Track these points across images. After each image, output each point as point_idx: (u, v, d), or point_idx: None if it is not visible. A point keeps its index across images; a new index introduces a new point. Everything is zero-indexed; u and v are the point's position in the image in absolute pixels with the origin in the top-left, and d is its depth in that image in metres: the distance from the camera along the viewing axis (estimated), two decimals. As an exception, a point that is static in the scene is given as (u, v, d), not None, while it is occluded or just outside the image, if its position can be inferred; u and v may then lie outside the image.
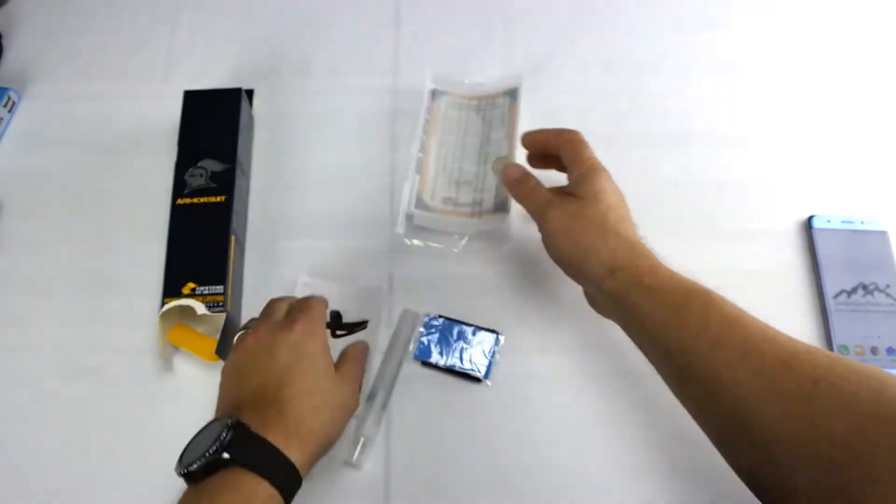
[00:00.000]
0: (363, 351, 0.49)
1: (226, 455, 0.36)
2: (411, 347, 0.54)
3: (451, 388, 0.53)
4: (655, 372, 0.45)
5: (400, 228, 0.58)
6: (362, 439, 0.50)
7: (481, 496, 0.50)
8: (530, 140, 0.54)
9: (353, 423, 0.51)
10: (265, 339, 0.43)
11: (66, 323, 0.56)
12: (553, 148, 0.52)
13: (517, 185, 0.52)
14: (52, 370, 0.54)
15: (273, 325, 0.44)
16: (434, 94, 0.64)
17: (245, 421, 0.38)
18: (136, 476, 0.51)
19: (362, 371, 0.48)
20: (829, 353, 0.38)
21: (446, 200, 0.60)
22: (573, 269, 0.47)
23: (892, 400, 0.33)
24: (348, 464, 0.50)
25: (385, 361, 0.53)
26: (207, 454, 0.36)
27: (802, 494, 0.35)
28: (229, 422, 0.38)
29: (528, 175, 0.52)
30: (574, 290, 0.53)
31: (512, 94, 0.63)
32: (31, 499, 0.51)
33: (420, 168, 0.60)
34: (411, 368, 0.54)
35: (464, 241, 0.58)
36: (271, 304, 0.47)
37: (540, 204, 0.49)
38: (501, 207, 0.57)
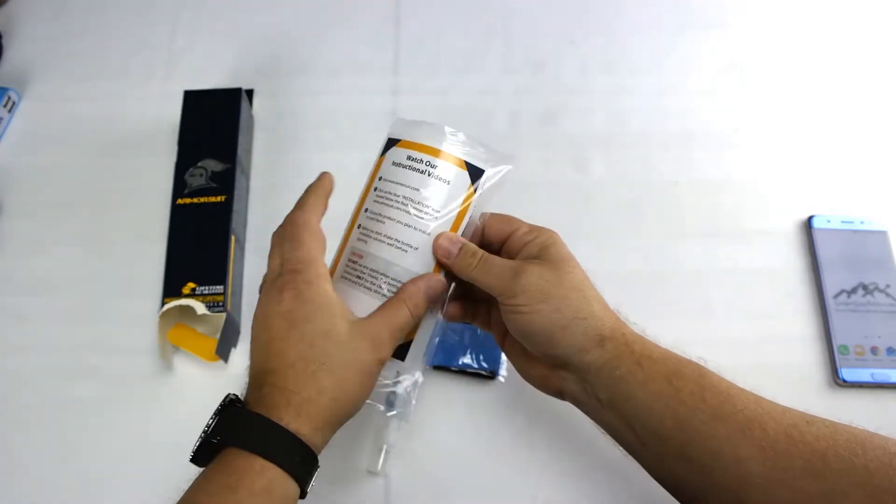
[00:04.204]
0: (415, 292, 0.41)
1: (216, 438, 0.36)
2: None
3: (466, 388, 0.53)
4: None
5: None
6: (385, 447, 0.50)
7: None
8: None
9: (373, 432, 0.51)
10: (259, 311, 0.40)
11: (66, 323, 0.56)
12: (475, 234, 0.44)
13: (462, 260, 0.41)
14: (52, 370, 0.54)
15: (266, 289, 0.41)
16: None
17: (245, 398, 0.38)
18: (136, 476, 0.51)
19: (405, 315, 0.40)
20: (825, 420, 0.36)
21: None
22: (549, 342, 0.40)
23: None
24: (372, 472, 0.50)
25: None
26: (200, 437, 0.36)
27: None
28: (221, 403, 0.37)
29: (467, 244, 0.42)
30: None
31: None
32: (31, 498, 0.50)
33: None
34: (425, 374, 0.53)
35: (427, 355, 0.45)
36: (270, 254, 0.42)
37: (504, 275, 0.40)
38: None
